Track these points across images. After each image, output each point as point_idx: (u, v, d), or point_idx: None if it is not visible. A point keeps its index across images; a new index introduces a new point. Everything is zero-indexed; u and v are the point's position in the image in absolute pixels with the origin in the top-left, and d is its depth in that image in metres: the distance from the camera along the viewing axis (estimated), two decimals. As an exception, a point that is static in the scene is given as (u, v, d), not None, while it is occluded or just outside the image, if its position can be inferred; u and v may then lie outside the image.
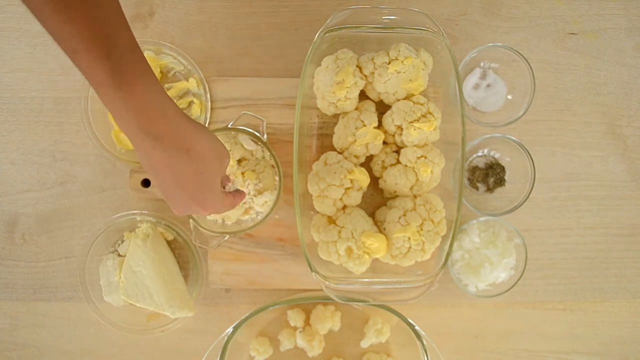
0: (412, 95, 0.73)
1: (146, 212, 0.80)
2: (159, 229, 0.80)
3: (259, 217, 0.76)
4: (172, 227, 0.80)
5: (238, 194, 0.67)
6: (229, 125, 0.75)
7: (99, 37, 0.46)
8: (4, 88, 0.83)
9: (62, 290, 0.83)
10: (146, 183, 0.79)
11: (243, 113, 0.74)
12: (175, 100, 0.81)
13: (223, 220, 0.76)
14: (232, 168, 0.74)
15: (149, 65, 0.51)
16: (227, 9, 0.83)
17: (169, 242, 0.81)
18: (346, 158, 0.73)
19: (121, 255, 0.80)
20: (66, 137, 0.83)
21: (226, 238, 0.75)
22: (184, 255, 0.82)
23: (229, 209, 0.64)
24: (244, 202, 0.75)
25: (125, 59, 0.48)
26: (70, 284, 0.83)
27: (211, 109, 0.80)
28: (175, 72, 0.82)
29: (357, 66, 0.73)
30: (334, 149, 0.76)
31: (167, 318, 0.79)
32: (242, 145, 0.75)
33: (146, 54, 0.80)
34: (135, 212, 0.80)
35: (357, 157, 0.74)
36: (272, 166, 0.76)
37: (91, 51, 0.46)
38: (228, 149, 0.74)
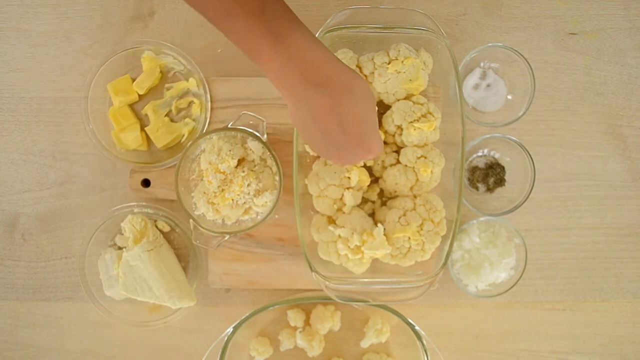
0: (412, 95, 0.73)
1: (144, 203, 0.80)
2: (160, 222, 0.80)
3: (259, 217, 0.76)
4: (171, 219, 0.80)
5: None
6: (229, 126, 0.74)
7: None
8: (4, 88, 0.83)
9: (62, 290, 0.83)
10: (146, 183, 0.79)
11: (243, 113, 0.74)
12: (175, 100, 0.81)
13: (223, 220, 0.76)
14: (230, 168, 0.74)
15: (294, 13, 0.50)
16: (227, 9, 0.83)
17: (166, 234, 0.81)
18: (346, 158, 0.73)
19: (120, 248, 0.80)
20: (66, 137, 0.83)
21: (226, 238, 0.75)
22: (182, 246, 0.82)
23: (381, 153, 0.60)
24: (244, 202, 0.75)
25: (277, 11, 0.47)
26: (70, 283, 0.83)
27: (211, 109, 0.80)
28: (175, 72, 0.82)
29: (357, 66, 0.73)
30: (334, 149, 0.76)
31: (169, 309, 0.79)
32: (242, 145, 0.75)
33: (146, 54, 0.80)
34: (132, 204, 0.79)
35: (357, 157, 0.74)
36: (272, 166, 0.76)
37: (246, 10, 0.46)
38: (228, 149, 0.74)
